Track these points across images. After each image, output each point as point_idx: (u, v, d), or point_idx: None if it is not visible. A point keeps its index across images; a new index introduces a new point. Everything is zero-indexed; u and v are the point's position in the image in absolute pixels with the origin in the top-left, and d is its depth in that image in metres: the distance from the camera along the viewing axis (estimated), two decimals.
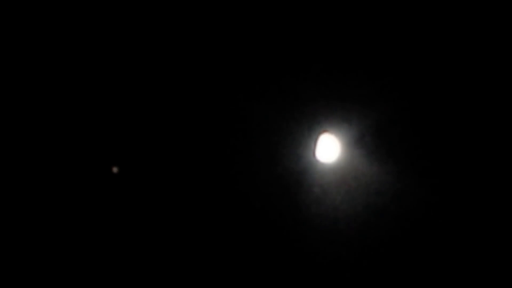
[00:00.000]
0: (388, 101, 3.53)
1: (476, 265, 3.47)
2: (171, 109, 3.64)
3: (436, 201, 3.51)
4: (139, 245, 3.64)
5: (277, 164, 3.59)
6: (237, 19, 3.55)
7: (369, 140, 3.55)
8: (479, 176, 3.49)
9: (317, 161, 3.58)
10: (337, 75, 3.55)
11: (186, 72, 3.60)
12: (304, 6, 3.52)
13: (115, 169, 3.71)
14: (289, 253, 3.62)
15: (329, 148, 3.57)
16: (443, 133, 3.52)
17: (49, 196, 3.63)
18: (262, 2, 3.51)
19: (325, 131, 3.57)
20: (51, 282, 3.57)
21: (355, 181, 3.57)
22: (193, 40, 3.57)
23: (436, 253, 3.50)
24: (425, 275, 3.51)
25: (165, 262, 3.63)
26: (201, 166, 3.64)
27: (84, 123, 3.64)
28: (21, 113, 3.61)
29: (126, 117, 3.66)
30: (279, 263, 3.61)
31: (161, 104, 3.64)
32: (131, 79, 3.62)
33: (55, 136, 3.63)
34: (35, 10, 3.54)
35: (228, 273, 3.61)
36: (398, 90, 3.53)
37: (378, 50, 3.51)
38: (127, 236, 3.65)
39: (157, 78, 3.62)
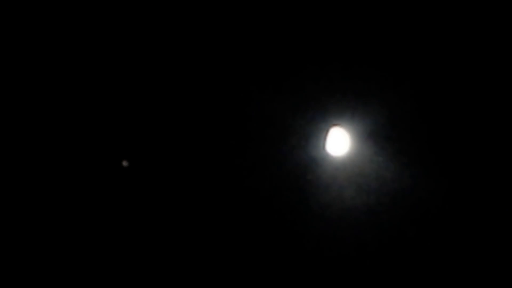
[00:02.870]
0: (399, 95, 3.52)
1: (489, 257, 3.48)
2: (181, 104, 3.64)
3: (447, 195, 3.50)
4: (149, 241, 3.66)
5: (287, 158, 3.59)
6: (247, 14, 3.54)
7: (380, 134, 3.54)
8: (493, 171, 3.48)
9: (327, 154, 3.57)
10: (348, 69, 3.54)
11: (196, 67, 3.59)
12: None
13: (125, 163, 3.73)
14: (298, 246, 3.63)
15: (339, 142, 3.57)
16: (455, 127, 3.51)
17: (59, 191, 3.65)
18: None
19: (335, 124, 3.56)
20: (54, 280, 3.60)
21: (365, 174, 3.57)
22: (204, 36, 3.56)
23: (447, 248, 3.51)
24: (436, 269, 3.52)
25: (174, 259, 3.65)
26: (211, 161, 3.64)
27: (94, 120, 3.65)
28: (31, 110, 3.62)
29: (135, 111, 3.67)
30: (288, 257, 3.62)
31: (172, 100, 3.64)
32: (142, 74, 3.62)
33: (68, 131, 3.65)
34: (38, 10, 3.54)
35: (238, 269, 3.63)
36: (409, 84, 3.51)
37: (390, 44, 3.50)
38: (137, 231, 3.66)
39: (169, 74, 3.61)
